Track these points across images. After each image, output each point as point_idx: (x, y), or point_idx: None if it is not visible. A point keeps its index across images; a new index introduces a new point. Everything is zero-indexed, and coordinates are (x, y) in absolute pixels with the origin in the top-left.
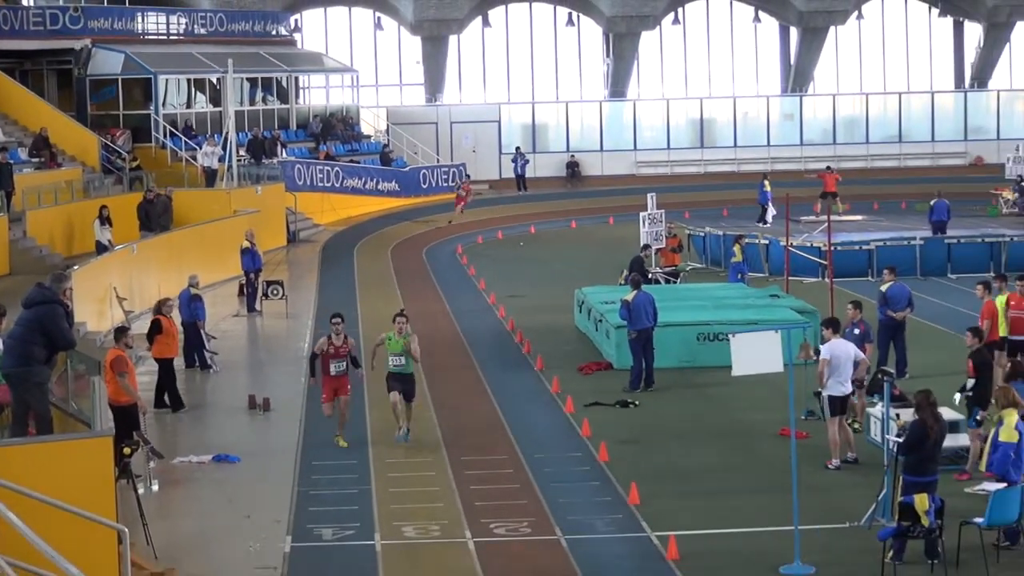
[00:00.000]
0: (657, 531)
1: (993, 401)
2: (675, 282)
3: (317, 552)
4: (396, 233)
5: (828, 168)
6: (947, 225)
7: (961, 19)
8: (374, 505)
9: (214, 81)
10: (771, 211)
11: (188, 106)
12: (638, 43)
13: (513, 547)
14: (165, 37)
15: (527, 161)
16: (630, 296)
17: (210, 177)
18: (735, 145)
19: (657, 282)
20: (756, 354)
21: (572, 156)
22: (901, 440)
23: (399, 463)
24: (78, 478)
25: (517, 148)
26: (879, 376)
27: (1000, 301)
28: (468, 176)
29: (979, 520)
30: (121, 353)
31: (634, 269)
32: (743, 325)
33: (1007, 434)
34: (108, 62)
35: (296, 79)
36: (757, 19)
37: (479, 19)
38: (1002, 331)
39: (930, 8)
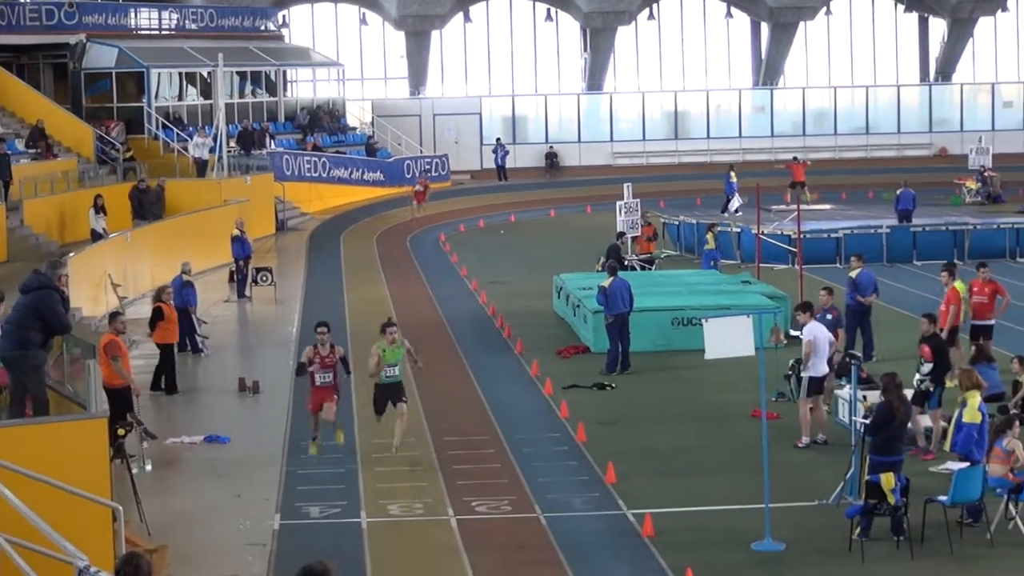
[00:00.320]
0: (633, 509)
1: (957, 383)
2: (650, 269)
3: (305, 529)
4: (381, 221)
5: (796, 159)
6: (912, 214)
7: (926, 15)
8: (360, 484)
9: (205, 75)
10: (735, 201)
11: (180, 99)
12: (614, 38)
13: (494, 524)
14: (157, 32)
15: (507, 152)
16: (607, 282)
17: (201, 167)
18: (708, 137)
19: (633, 269)
20: (728, 338)
21: (551, 147)
22: (868, 421)
23: (385, 443)
24: (74, 458)
25: (498, 139)
26: (847, 359)
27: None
28: (426, 172)
29: (943, 498)
30: (114, 338)
31: (611, 256)
32: (716, 310)
33: (970, 415)
34: (102, 56)
35: (284, 73)
36: (729, 15)
37: (461, 15)
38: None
39: (896, 4)
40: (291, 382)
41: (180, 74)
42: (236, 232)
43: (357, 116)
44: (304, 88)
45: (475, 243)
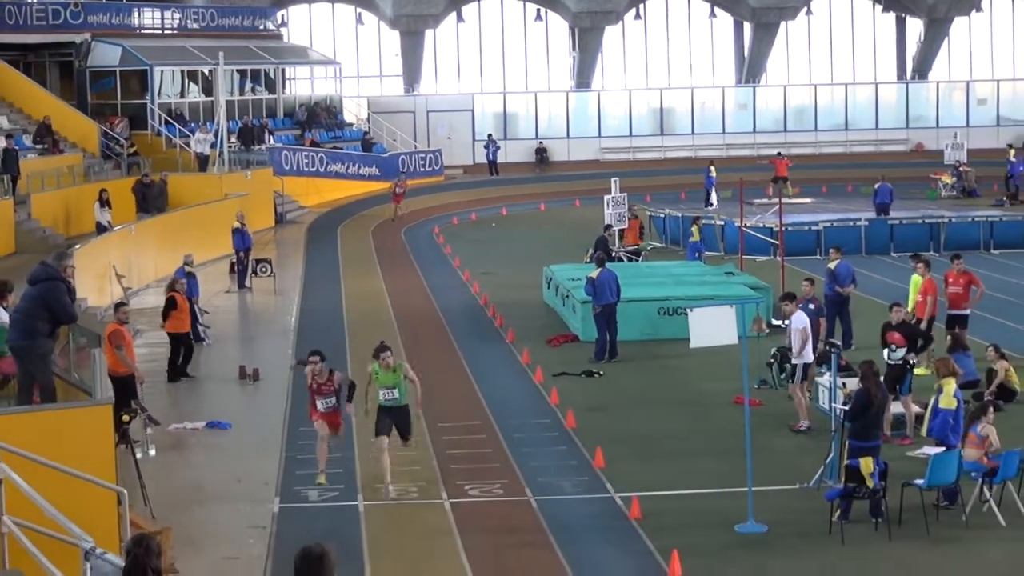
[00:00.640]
0: (620, 492)
1: (934, 371)
2: (637, 260)
3: (304, 512)
4: (377, 214)
5: (779, 154)
6: (890, 207)
7: (903, 15)
8: (357, 469)
9: (206, 73)
10: (714, 195)
11: (182, 96)
12: (602, 37)
13: (487, 507)
14: (160, 31)
15: (499, 147)
16: (595, 273)
17: (203, 162)
18: (693, 133)
19: (620, 260)
20: (712, 327)
21: (541, 143)
22: (847, 407)
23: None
24: (80, 444)
25: (489, 135)
26: (827, 348)
27: (916, 281)
28: (403, 173)
29: (920, 482)
30: (119, 327)
31: (599, 248)
32: (700, 300)
33: (946, 401)
34: (107, 55)
35: (283, 71)
36: (713, 15)
37: (454, 15)
38: (910, 309)
39: (874, 4)
40: (291, 371)
41: (182, 72)
42: (237, 224)
43: (353, 113)
44: (302, 85)
45: (468, 235)
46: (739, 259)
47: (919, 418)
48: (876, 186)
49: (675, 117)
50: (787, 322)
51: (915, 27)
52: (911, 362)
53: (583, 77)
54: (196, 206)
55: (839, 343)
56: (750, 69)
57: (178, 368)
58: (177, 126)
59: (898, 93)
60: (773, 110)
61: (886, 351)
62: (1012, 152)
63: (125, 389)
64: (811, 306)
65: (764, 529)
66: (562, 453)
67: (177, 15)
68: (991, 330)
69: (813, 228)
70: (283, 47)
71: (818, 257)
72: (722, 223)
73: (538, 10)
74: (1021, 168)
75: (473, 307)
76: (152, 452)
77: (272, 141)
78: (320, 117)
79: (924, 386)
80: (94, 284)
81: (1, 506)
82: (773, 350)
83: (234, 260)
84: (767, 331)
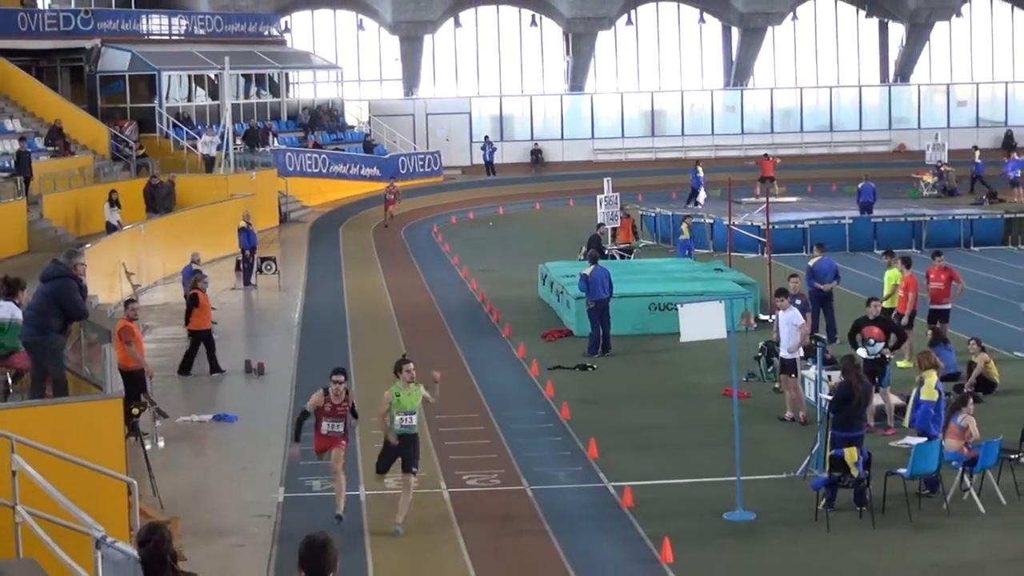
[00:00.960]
0: (614, 481)
1: (916, 364)
2: (629, 257)
3: (307, 501)
4: (378, 214)
5: (766, 155)
6: (873, 206)
7: (886, 20)
8: (358, 459)
9: (212, 77)
10: (702, 194)
11: (189, 100)
12: (595, 42)
13: (484, 497)
14: (168, 37)
15: (495, 149)
16: (588, 270)
17: (209, 164)
18: (683, 134)
19: (613, 257)
20: (702, 322)
21: (536, 144)
22: (832, 399)
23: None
24: (91, 436)
25: (486, 137)
26: (812, 342)
27: (891, 275)
28: (393, 178)
29: (902, 471)
30: (129, 323)
31: (592, 246)
32: (690, 296)
33: (928, 393)
34: (116, 60)
35: (286, 75)
36: (702, 20)
37: (451, 20)
38: (887, 303)
39: (857, 10)
40: (295, 364)
41: (189, 76)
42: (243, 224)
43: (355, 115)
44: (305, 89)
45: (465, 234)
46: (728, 256)
47: (899, 409)
48: (860, 185)
49: (666, 119)
50: (773, 317)
51: (897, 32)
52: (888, 356)
53: (577, 81)
54: (203, 206)
55: (824, 337)
56: (738, 73)
57: (190, 364)
58: (184, 129)
59: (881, 96)
60: (760, 112)
61: (862, 348)
62: (977, 153)
63: (135, 383)
64: (797, 301)
65: (752, 517)
66: (557, 444)
67: (184, 22)
68: (971, 324)
69: (799, 226)
70: (287, 52)
71: (804, 254)
72: (711, 221)
73: (533, 16)
74: (984, 168)
75: (471, 303)
76: (161, 444)
77: (276, 143)
78: (323, 120)
79: (906, 378)
80: (104, 282)
81: (15, 496)
82: (761, 344)
83: (240, 258)
84: (755, 326)
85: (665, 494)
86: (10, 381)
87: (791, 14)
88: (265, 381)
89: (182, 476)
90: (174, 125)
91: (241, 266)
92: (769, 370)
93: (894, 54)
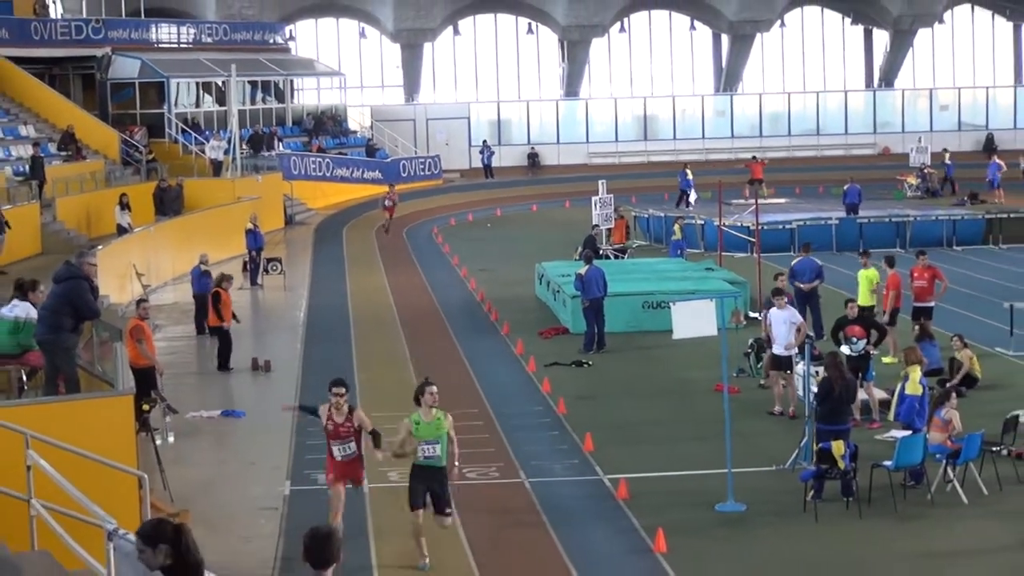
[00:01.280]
0: (609, 474)
1: (902, 359)
2: (623, 257)
3: (313, 494)
4: (380, 216)
5: (754, 158)
6: (859, 207)
7: (870, 27)
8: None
9: (219, 84)
10: (693, 195)
11: (197, 106)
12: (589, 49)
13: (483, 489)
14: (176, 45)
15: (493, 152)
16: (583, 270)
17: (216, 168)
18: (674, 138)
19: (607, 257)
20: (694, 320)
21: (532, 148)
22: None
23: (384, 416)
24: (103, 431)
25: (484, 141)
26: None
27: (866, 275)
28: (392, 183)
29: (888, 463)
30: (139, 322)
31: (587, 246)
32: (682, 294)
33: (912, 388)
34: (126, 67)
35: (291, 82)
36: (693, 27)
37: (450, 28)
38: (862, 300)
39: (843, 17)
40: (300, 362)
41: (197, 83)
42: (250, 225)
43: (357, 121)
44: (309, 95)
45: (465, 235)
46: (718, 256)
47: (884, 403)
48: (846, 187)
49: (658, 124)
50: (762, 314)
51: (881, 38)
52: (872, 352)
53: (572, 86)
54: (210, 209)
55: (811, 334)
56: (728, 78)
57: (227, 359)
58: (192, 134)
59: (866, 100)
60: (749, 116)
61: (846, 346)
62: (947, 155)
63: (145, 380)
64: (785, 299)
65: (743, 508)
66: (554, 438)
67: (192, 30)
68: (954, 321)
69: (787, 227)
70: (291, 60)
71: (791, 254)
72: (702, 222)
73: (529, 24)
74: (954, 170)
75: (470, 302)
76: (171, 439)
77: (281, 147)
78: (326, 125)
79: (891, 373)
80: (115, 282)
81: (30, 490)
82: (750, 341)
83: (247, 259)
84: (744, 323)
85: (658, 486)
86: (25, 378)
87: (779, 21)
88: (272, 378)
89: (191, 470)
90: (182, 130)
91: (248, 267)
92: (759, 366)
93: (879, 60)
